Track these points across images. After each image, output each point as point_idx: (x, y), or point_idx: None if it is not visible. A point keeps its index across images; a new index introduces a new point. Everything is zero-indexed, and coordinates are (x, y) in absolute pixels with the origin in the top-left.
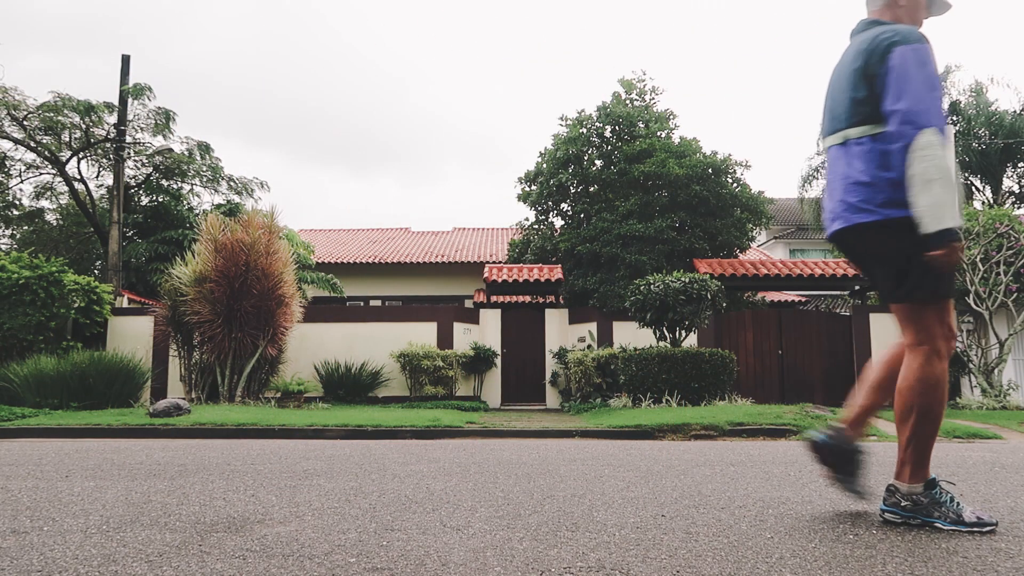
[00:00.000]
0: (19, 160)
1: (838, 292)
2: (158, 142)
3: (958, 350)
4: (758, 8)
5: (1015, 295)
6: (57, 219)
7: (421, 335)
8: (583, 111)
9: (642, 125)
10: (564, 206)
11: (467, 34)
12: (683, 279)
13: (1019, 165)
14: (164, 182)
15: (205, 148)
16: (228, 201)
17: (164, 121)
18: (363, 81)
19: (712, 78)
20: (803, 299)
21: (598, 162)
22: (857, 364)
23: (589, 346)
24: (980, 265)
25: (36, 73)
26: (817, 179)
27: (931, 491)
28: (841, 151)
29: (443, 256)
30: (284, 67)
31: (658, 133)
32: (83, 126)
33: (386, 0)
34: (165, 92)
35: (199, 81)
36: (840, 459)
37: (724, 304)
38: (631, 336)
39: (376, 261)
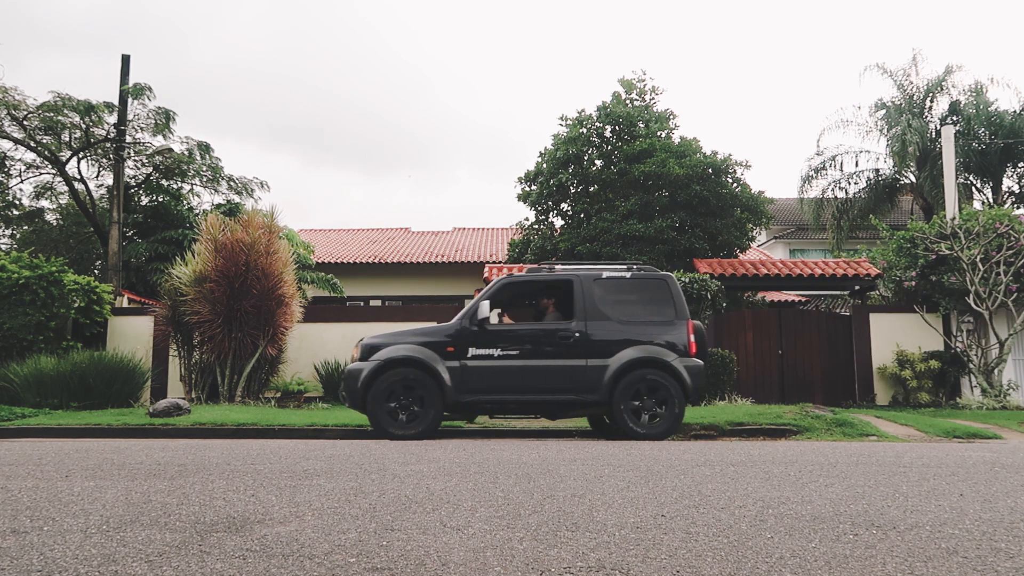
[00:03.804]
0: (19, 160)
1: (838, 292)
2: (158, 142)
3: (958, 350)
4: (758, 8)
5: (1015, 295)
6: (57, 219)
7: None
8: (583, 111)
9: (642, 125)
10: (564, 206)
11: (463, 36)
12: (683, 279)
13: (1019, 165)
14: (164, 182)
15: (205, 148)
16: (228, 201)
17: (164, 121)
18: (368, 85)
19: (712, 78)
20: (803, 299)
21: (598, 162)
22: (857, 364)
23: None
24: (980, 265)
25: (52, 75)
26: (817, 179)
27: None
28: None
29: (443, 256)
30: (300, 74)
31: (658, 133)
32: (83, 126)
33: (390, 4)
34: (181, 96)
35: (215, 85)
36: None
37: (724, 304)
38: None
39: (376, 261)
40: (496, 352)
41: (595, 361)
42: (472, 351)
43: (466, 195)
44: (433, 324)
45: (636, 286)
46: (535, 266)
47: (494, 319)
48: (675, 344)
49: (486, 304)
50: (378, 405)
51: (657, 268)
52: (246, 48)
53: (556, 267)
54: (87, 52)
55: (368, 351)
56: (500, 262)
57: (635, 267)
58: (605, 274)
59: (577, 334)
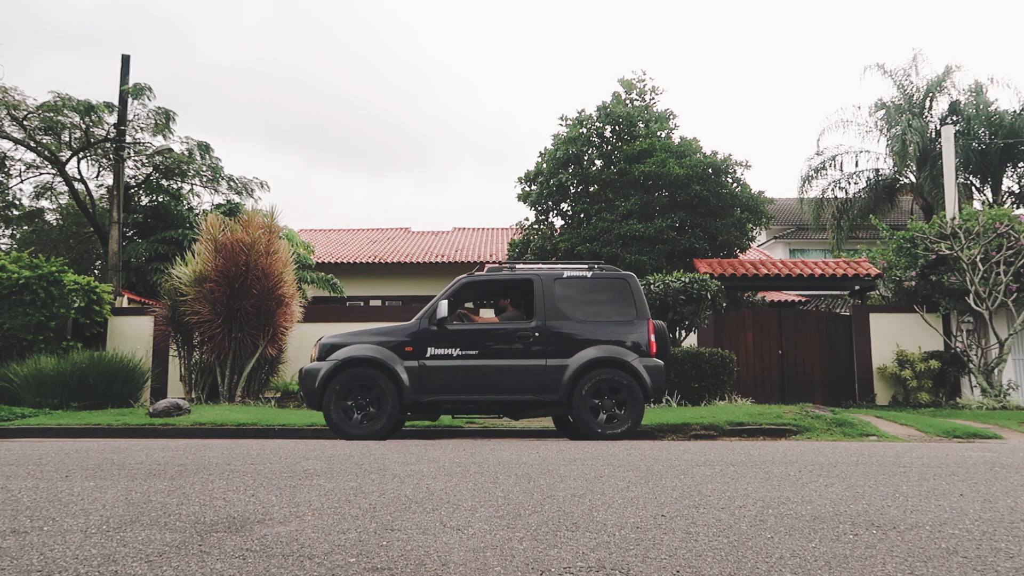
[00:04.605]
0: (19, 160)
1: (838, 292)
2: (158, 142)
3: (958, 350)
4: (758, 8)
5: (1015, 295)
6: (57, 219)
7: None
8: (583, 111)
9: (642, 125)
10: (564, 206)
11: (463, 36)
12: (683, 279)
13: (1019, 165)
14: (164, 182)
15: (205, 148)
16: (228, 201)
17: (164, 121)
18: (369, 85)
19: (712, 78)
20: (803, 299)
21: (598, 162)
22: (857, 364)
23: None
24: (980, 265)
25: (52, 75)
26: (816, 179)
27: None
28: None
29: (443, 256)
30: (301, 74)
31: (658, 133)
32: (83, 126)
33: (390, 4)
34: (181, 96)
35: (216, 85)
36: None
37: (724, 304)
38: None
39: (376, 261)
40: (455, 352)
41: (554, 361)
42: (431, 351)
43: (466, 195)
44: (393, 324)
45: (597, 286)
46: (496, 265)
47: (461, 317)
48: (636, 344)
49: (444, 304)
50: (335, 405)
51: (620, 268)
52: (247, 48)
53: (517, 266)
54: (87, 52)
55: (326, 351)
56: (500, 262)
57: (596, 266)
58: (566, 274)
59: (537, 334)
